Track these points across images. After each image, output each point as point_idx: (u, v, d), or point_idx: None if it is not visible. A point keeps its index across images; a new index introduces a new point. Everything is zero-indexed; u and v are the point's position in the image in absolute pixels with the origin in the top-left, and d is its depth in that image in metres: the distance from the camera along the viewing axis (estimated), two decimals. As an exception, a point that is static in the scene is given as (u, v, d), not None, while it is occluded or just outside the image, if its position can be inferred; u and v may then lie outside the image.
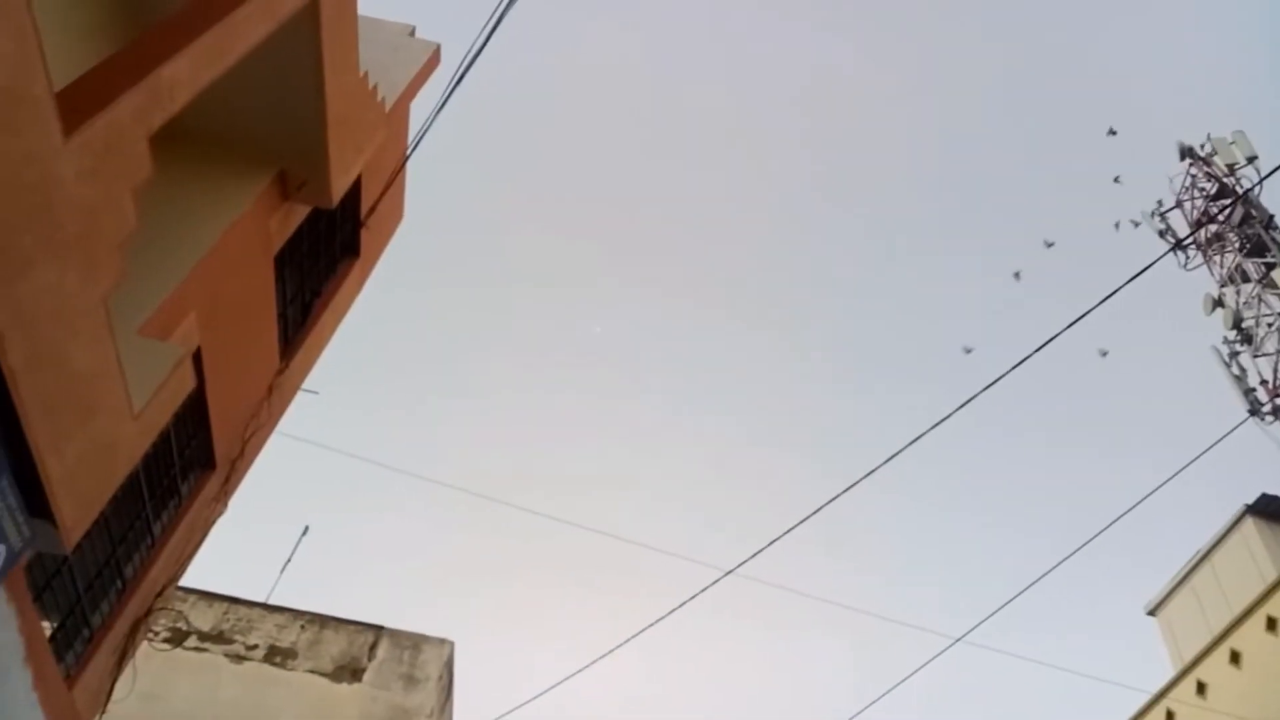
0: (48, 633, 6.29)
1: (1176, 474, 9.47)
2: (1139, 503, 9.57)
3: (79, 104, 4.70)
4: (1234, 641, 14.36)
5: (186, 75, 5.37)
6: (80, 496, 5.28)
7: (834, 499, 8.45)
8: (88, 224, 4.76)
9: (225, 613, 13.04)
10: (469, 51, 7.29)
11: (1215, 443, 10.00)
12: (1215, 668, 14.62)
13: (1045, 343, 7.65)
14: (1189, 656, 15.50)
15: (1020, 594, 10.22)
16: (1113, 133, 21.56)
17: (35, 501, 5.02)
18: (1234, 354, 20.05)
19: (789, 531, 8.34)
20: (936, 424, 8.16)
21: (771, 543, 8.33)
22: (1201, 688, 14.74)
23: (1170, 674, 15.91)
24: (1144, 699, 15.90)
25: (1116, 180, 21.74)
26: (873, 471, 8.40)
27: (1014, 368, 7.90)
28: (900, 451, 8.28)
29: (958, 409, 8.02)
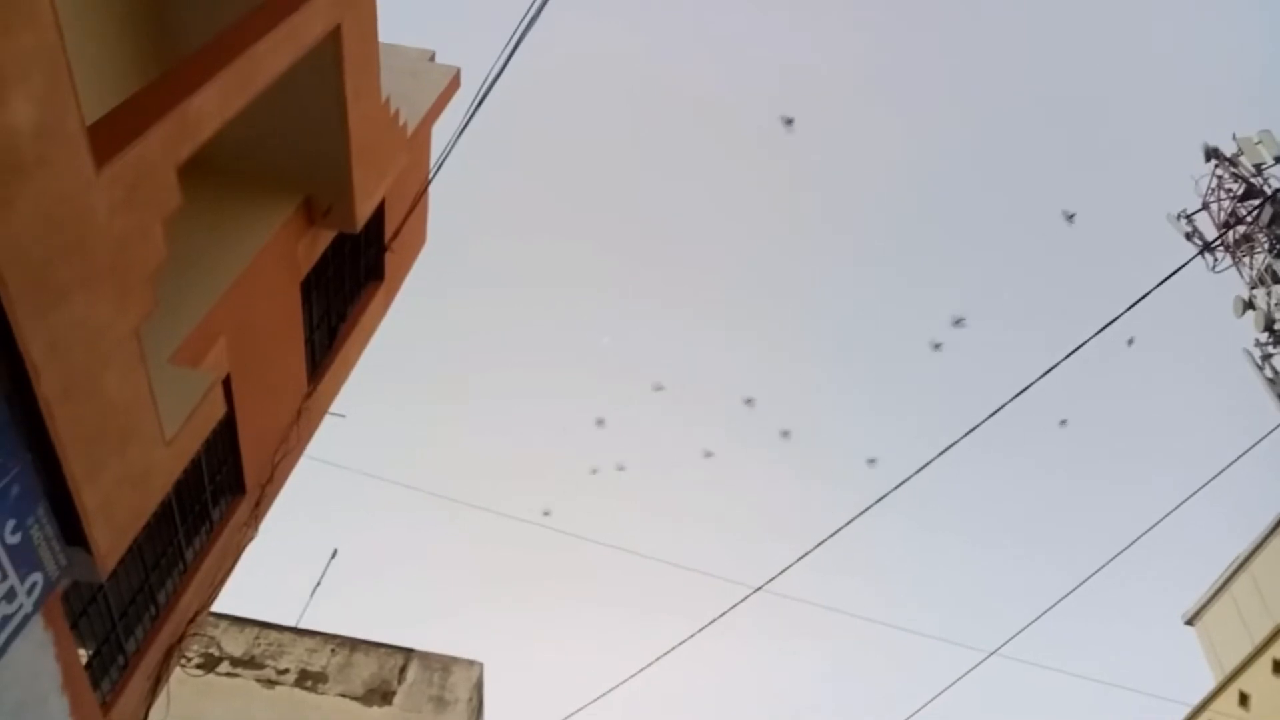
0: (84, 660, 6.36)
1: (1213, 479, 9.31)
2: (1175, 509, 9.43)
3: (109, 138, 4.78)
4: (1277, 650, 14.08)
5: (213, 107, 5.46)
6: (115, 524, 5.34)
7: (863, 512, 8.36)
8: (119, 255, 4.84)
9: (256, 638, 13.12)
10: (486, 77, 7.37)
11: (1251, 446, 9.84)
12: (1258, 677, 14.33)
13: (1075, 349, 7.57)
14: (1230, 666, 15.21)
15: (1056, 604, 10.08)
16: (788, 122, 20.34)
17: (71, 530, 5.08)
18: (1266, 356, 19.77)
19: (820, 545, 8.30)
20: (957, 441, 8.07)
21: (801, 558, 8.29)
22: (1244, 699, 14.45)
23: (1211, 685, 15.62)
24: (1185, 711, 15.61)
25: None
26: (900, 485, 8.33)
27: (1043, 375, 7.83)
28: (926, 466, 8.20)
29: (982, 423, 7.92)
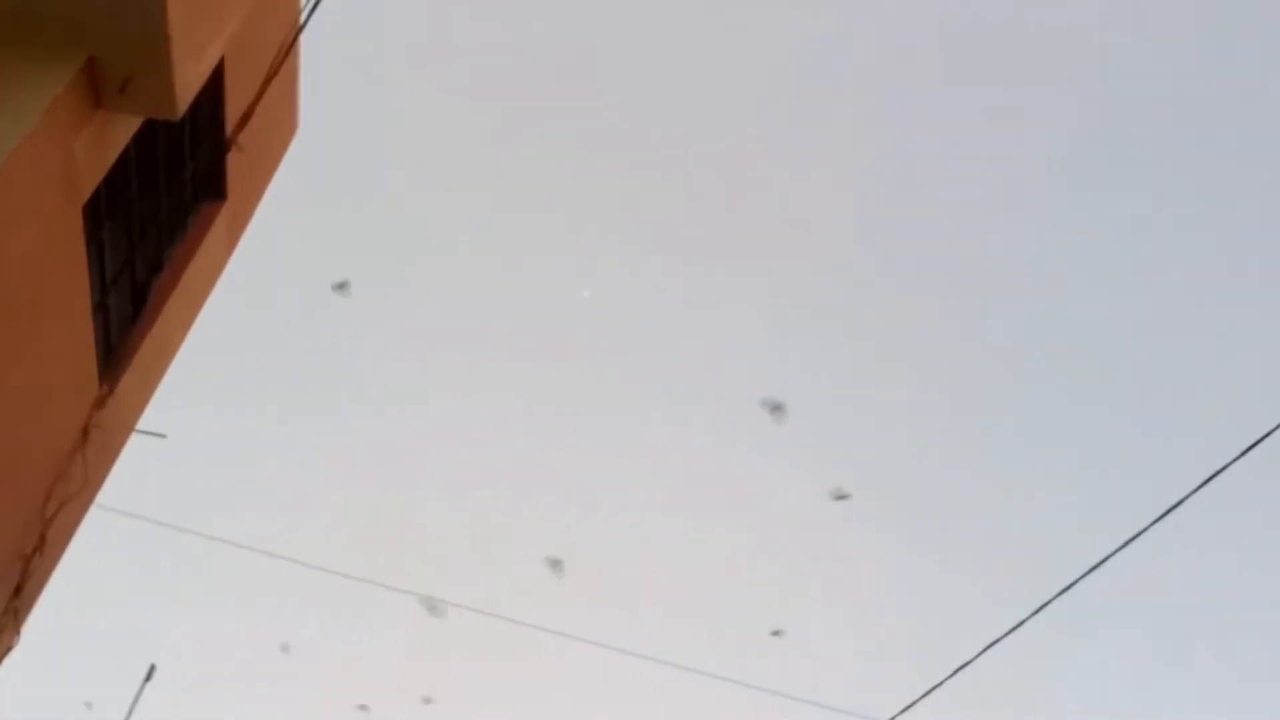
0: None
1: None
2: None
3: None
4: None
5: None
6: None
7: (1017, 627, 8.61)
8: None
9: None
10: None
11: None
12: None
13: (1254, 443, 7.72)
14: None
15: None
16: None
17: None
18: None
19: (961, 669, 8.52)
20: (1148, 527, 8.18)
21: (940, 683, 8.51)
22: None
23: None
24: None
25: None
26: (1063, 592, 8.53)
27: (1257, 444, 7.93)
28: (1094, 569, 8.36)
29: (1179, 503, 8.03)
